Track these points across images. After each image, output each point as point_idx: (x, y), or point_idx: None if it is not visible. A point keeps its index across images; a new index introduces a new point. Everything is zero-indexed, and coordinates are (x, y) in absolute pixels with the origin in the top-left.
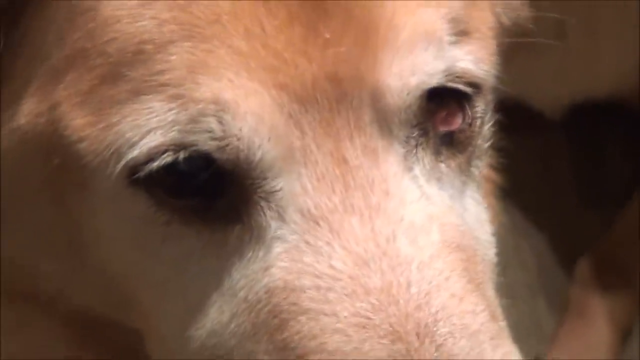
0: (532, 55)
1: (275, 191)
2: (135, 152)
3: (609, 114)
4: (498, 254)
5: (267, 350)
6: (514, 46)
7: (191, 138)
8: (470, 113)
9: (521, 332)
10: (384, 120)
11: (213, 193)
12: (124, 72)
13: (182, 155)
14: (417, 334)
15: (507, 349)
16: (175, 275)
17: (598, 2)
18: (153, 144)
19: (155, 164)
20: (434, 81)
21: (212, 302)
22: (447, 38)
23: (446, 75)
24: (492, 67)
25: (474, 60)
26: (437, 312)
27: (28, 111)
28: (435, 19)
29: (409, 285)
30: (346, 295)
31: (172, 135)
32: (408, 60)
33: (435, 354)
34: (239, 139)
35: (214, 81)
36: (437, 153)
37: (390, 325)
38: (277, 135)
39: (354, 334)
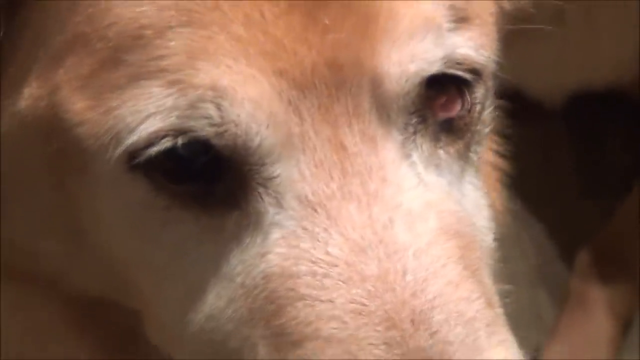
0: (531, 44)
1: (273, 177)
2: (134, 137)
3: (609, 105)
4: (503, 240)
5: (263, 336)
6: (514, 31)
7: (189, 124)
8: (469, 99)
9: (521, 323)
10: (382, 107)
11: (212, 178)
12: (123, 57)
13: (180, 140)
14: (412, 321)
15: (503, 336)
16: (174, 260)
17: None
18: (152, 129)
19: (154, 149)
20: (434, 69)
21: (210, 287)
22: (446, 25)
23: (445, 62)
24: (492, 53)
25: (474, 46)
26: (432, 299)
27: (29, 95)
28: (435, 6)
29: (405, 272)
30: (342, 281)
31: (171, 120)
32: (407, 48)
33: (430, 341)
34: (236, 125)
35: (213, 67)
36: (435, 140)
37: (386, 312)
38: (276, 122)
39: (350, 321)
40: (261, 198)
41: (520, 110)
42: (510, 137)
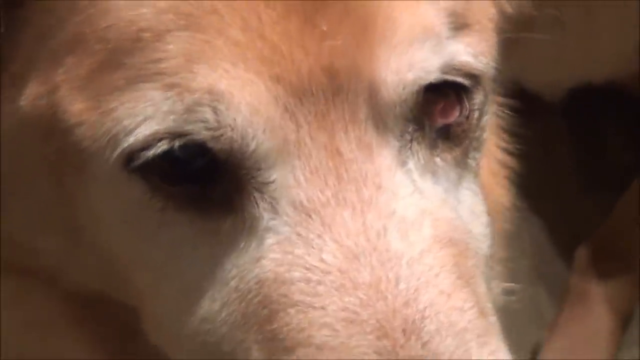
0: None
1: (269, 182)
2: (131, 140)
3: (609, 101)
4: (513, 236)
5: (256, 340)
6: (515, 36)
7: (186, 127)
8: (467, 105)
9: (521, 320)
10: (379, 115)
11: (208, 181)
12: (122, 59)
13: (177, 143)
14: (404, 331)
15: (494, 347)
16: (170, 260)
17: None
18: (148, 132)
19: (150, 152)
20: (432, 77)
21: (204, 290)
22: (445, 32)
23: (444, 69)
24: (491, 59)
25: (473, 53)
26: (424, 308)
27: (29, 93)
28: (434, 13)
29: (397, 281)
30: (335, 289)
31: (168, 124)
32: (405, 56)
33: (420, 352)
34: (232, 129)
35: (210, 71)
36: (432, 147)
37: (377, 321)
38: (272, 127)
39: (341, 329)
40: (256, 203)
41: (520, 106)
42: (518, 135)
